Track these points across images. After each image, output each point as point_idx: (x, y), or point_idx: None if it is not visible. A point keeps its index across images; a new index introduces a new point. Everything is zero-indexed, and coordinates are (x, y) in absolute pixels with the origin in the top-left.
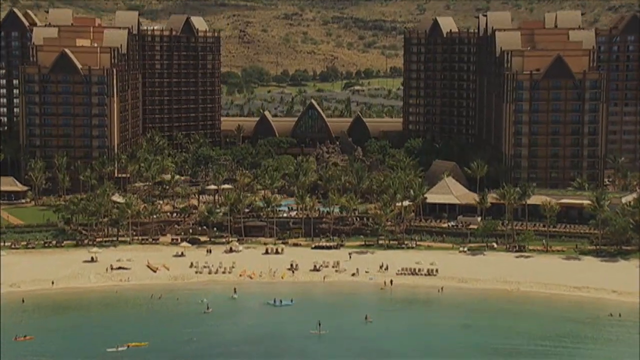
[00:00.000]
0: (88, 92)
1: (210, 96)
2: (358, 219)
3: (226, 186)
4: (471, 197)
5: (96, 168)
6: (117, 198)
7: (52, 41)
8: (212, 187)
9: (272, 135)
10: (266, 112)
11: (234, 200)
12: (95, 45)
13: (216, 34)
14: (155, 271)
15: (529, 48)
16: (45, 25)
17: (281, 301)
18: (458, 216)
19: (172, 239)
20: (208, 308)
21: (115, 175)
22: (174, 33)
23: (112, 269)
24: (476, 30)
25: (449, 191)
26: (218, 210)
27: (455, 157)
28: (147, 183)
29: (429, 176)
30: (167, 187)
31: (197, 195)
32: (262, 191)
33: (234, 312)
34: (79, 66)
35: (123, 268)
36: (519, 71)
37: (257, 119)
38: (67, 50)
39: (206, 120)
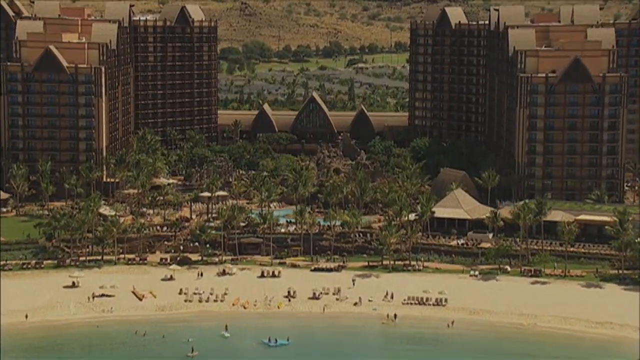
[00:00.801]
0: (74, 92)
1: (207, 89)
2: (361, 234)
3: (221, 193)
4: (482, 211)
5: (83, 174)
6: (104, 210)
7: (36, 36)
8: (206, 194)
9: (271, 129)
10: (265, 106)
11: (227, 217)
12: (84, 40)
13: (212, 23)
14: (141, 299)
15: (544, 46)
16: (31, 18)
17: (276, 340)
18: (468, 232)
19: (161, 259)
20: (193, 351)
21: (104, 179)
22: (168, 23)
23: (94, 297)
24: (487, 22)
25: (458, 205)
26: (211, 224)
27: (464, 160)
28: (137, 190)
29: (437, 185)
30: (158, 196)
31: (189, 203)
32: (259, 200)
33: (222, 356)
34: (65, 64)
35: (106, 295)
36: (533, 72)
37: (256, 112)
38: (52, 47)
39: (202, 115)
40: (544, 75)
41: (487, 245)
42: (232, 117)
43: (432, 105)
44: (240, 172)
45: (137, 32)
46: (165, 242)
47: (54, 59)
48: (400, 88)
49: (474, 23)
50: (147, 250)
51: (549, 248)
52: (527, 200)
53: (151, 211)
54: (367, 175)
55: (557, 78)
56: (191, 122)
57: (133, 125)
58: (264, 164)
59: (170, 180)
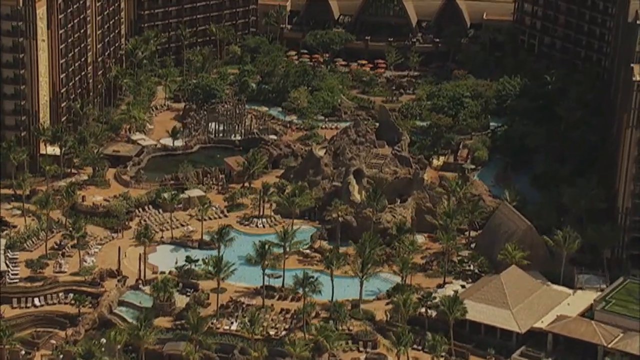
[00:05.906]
0: None
1: None
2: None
3: (196, 192)
4: (542, 310)
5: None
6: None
7: None
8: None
9: (329, 16)
10: None
11: (131, 341)
12: None
13: None
14: None
15: None
16: None
17: None
18: (514, 355)
19: None
20: None
21: (41, 152)
22: None
23: None
24: None
25: (504, 300)
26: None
27: (559, 132)
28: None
29: (489, 231)
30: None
31: (147, 209)
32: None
33: None
34: None
35: None
36: None
37: None
38: None
39: None
40: None
41: None
42: None
43: (544, 1)
44: (261, 110)
45: None
46: (54, 337)
47: None
48: None
49: None
50: (21, 355)
51: None
52: (627, 279)
53: (74, 238)
54: (402, 183)
55: None
56: (220, 6)
57: (128, 27)
58: (295, 96)
59: (149, 141)
